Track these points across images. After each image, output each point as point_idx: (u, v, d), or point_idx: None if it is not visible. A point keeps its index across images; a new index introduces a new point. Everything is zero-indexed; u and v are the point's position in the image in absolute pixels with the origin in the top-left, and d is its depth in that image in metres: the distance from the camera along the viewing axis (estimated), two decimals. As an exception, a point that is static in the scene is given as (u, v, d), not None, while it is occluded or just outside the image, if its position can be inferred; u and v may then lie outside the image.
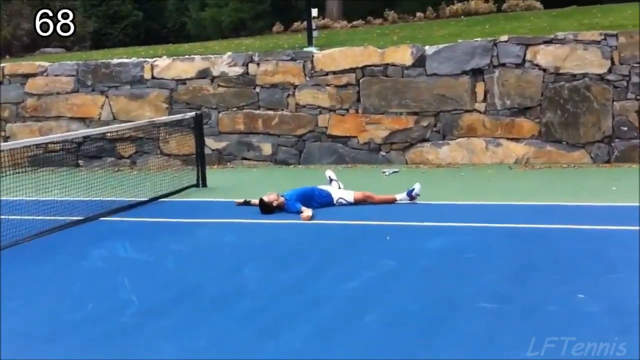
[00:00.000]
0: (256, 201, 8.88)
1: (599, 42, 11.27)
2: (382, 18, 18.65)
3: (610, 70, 11.18)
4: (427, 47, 12.14)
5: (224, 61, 13.23)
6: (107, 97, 13.92)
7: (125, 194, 9.95)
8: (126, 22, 22.98)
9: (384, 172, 11.48)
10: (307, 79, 12.71)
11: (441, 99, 11.98)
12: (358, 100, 12.45)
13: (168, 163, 13.12)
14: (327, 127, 12.65)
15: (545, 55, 11.49)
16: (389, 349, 4.43)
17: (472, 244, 6.84)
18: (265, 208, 8.69)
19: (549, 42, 11.51)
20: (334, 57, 12.59)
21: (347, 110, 12.52)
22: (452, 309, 5.04)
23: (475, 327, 4.69)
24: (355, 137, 12.52)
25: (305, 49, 13.23)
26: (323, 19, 18.49)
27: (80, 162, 13.89)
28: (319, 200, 8.90)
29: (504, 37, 11.76)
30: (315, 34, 13.83)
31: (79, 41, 21.02)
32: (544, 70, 11.49)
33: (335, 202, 8.98)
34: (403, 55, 12.17)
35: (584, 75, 11.28)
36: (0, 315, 5.27)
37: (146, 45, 18.89)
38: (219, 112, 13.26)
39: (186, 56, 13.73)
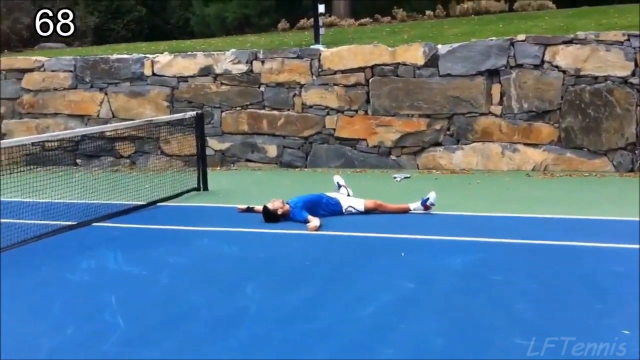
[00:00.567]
0: (260, 208, 8.34)
1: (621, 43, 10.70)
2: (391, 16, 18.28)
3: (633, 73, 10.61)
4: (440, 46, 11.59)
5: (227, 58, 12.69)
6: (106, 94, 13.44)
7: (122, 197, 9.42)
8: (129, 18, 22.51)
9: (394, 178, 10.94)
10: (314, 78, 12.16)
11: (455, 100, 11.43)
12: (367, 101, 11.89)
13: (169, 164, 12.59)
14: (335, 129, 12.11)
15: (565, 56, 10.93)
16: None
17: (496, 263, 6.24)
18: (270, 216, 8.12)
19: (568, 42, 10.95)
20: (342, 56, 12.03)
21: (356, 111, 11.97)
22: (483, 346, 4.42)
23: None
24: (365, 139, 11.98)
25: (312, 47, 12.67)
26: (330, 16, 18.03)
27: (78, 161, 13.40)
28: (327, 209, 8.34)
29: (522, 37, 11.18)
30: (322, 31, 13.33)
31: (80, 36, 20.53)
32: (564, 72, 10.93)
33: (344, 210, 8.42)
34: (415, 54, 11.61)
35: (606, 78, 10.71)
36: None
37: (149, 42, 18.44)
38: (222, 111, 12.74)
39: (188, 52, 13.19)
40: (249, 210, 8.69)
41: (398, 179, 10.89)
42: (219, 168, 12.54)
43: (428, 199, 8.30)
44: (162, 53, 13.50)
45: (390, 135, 11.81)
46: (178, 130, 11.83)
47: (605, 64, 10.72)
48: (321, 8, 13.30)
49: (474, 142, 11.46)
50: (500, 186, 10.13)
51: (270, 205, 8.15)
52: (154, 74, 13.15)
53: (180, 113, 11.61)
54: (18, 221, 7.95)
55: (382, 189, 9.97)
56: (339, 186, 9.09)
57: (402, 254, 6.53)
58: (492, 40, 11.37)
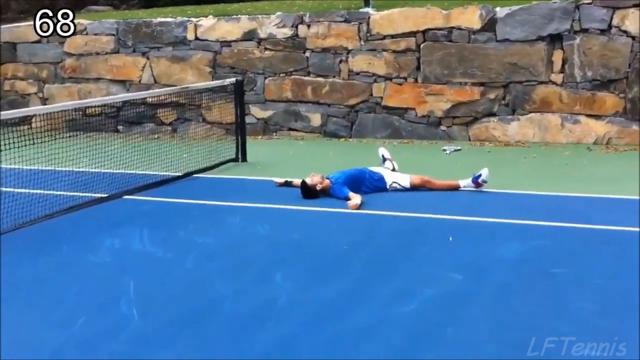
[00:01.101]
0: (298, 182, 7.84)
1: (700, 7, 9.78)
2: (446, -23, 17.26)
3: None
4: (498, 9, 10.82)
5: (271, 22, 12.13)
6: (148, 58, 13.07)
7: (158, 168, 9.02)
8: (177, -21, 21.94)
9: (444, 150, 10.31)
10: (362, 43, 11.52)
11: (512, 68, 10.68)
12: (418, 68, 11.23)
13: (210, 132, 12.16)
14: (382, 97, 11.51)
15: (634, 21, 10.08)
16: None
17: (555, 252, 5.59)
18: (308, 192, 7.60)
19: (639, 5, 10.04)
20: (392, 19, 11.34)
21: (405, 79, 11.32)
22: (546, 355, 3.82)
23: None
24: (413, 109, 11.34)
25: (361, 10, 11.98)
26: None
27: (120, 127, 13.06)
28: (370, 185, 7.78)
29: (588, -1, 10.33)
30: (372, -7, 12.58)
31: (127, -1, 20.20)
32: (633, 37, 10.11)
33: (388, 187, 7.84)
34: (471, 17, 10.87)
35: (680, 44, 9.84)
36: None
37: (196, 5, 17.93)
38: (266, 77, 12.21)
39: (232, 16, 12.64)
40: (287, 184, 8.21)
41: (447, 152, 10.26)
42: (260, 137, 12.11)
43: (480, 175, 7.66)
44: (206, 17, 13.01)
45: (441, 105, 11.15)
46: (219, 97, 11.37)
47: (679, 29, 9.86)
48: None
49: (531, 112, 10.75)
50: (559, 161, 9.43)
51: (309, 180, 7.63)
52: (196, 38, 12.71)
53: (222, 79, 11.15)
54: (48, 192, 7.64)
55: (429, 163, 9.41)
56: (384, 159, 8.52)
57: (450, 239, 5.93)
58: (555, 2, 10.56)
